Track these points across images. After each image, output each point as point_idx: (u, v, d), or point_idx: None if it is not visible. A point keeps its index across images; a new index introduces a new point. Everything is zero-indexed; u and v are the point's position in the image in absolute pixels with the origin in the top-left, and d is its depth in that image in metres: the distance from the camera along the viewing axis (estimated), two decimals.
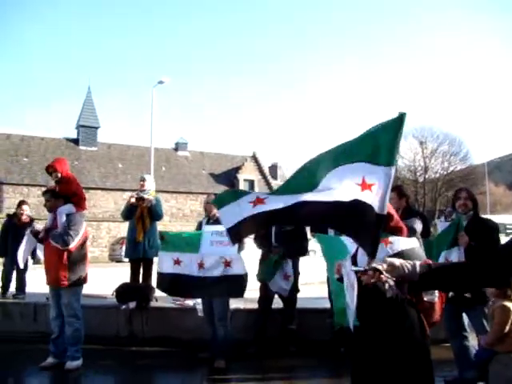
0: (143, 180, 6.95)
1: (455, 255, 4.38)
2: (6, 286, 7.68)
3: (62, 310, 5.26)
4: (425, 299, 2.93)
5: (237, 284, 5.24)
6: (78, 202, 5.52)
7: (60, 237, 5.12)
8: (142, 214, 6.76)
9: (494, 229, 4.49)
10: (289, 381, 5.38)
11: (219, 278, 5.25)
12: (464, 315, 4.60)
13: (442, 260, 4.36)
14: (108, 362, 5.69)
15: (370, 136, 2.73)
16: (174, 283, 5.52)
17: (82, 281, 5.36)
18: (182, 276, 5.43)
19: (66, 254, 5.17)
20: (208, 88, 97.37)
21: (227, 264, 5.24)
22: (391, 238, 2.95)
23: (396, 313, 2.78)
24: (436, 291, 2.95)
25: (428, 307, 2.98)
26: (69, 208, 5.34)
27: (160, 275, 5.64)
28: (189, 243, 5.47)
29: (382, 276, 2.28)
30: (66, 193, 5.48)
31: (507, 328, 3.81)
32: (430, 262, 3.20)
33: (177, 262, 5.46)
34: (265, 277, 5.81)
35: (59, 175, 5.62)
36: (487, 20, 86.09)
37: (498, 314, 3.85)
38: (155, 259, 6.34)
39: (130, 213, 6.80)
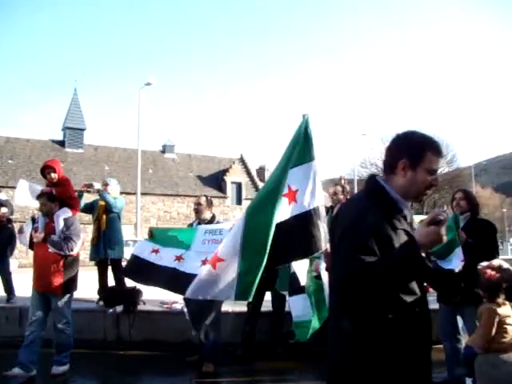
0: (106, 184, 7.15)
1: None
2: None
3: (54, 316, 5.07)
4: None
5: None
6: (74, 204, 5.40)
7: (64, 243, 4.92)
8: (98, 215, 6.81)
9: (488, 230, 4.45)
10: None
11: (189, 275, 4.31)
12: (459, 318, 4.56)
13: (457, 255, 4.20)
14: (95, 366, 5.63)
15: (291, 145, 3.51)
16: (142, 269, 5.12)
17: (75, 287, 5.21)
18: (153, 265, 5.04)
19: (63, 260, 4.98)
20: (196, 91, 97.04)
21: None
22: None
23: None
24: None
25: None
26: (66, 211, 5.16)
27: (132, 256, 5.28)
28: (178, 239, 5.13)
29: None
30: (63, 195, 5.29)
31: (493, 330, 3.82)
32: None
33: (154, 251, 5.10)
34: (283, 286, 5.40)
35: (57, 177, 5.49)
36: (476, 20, 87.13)
37: (484, 316, 3.87)
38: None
39: (79, 201, 6.44)
